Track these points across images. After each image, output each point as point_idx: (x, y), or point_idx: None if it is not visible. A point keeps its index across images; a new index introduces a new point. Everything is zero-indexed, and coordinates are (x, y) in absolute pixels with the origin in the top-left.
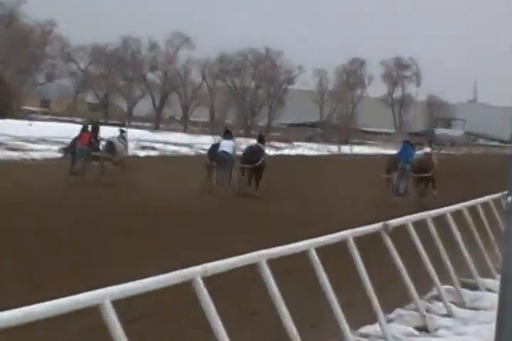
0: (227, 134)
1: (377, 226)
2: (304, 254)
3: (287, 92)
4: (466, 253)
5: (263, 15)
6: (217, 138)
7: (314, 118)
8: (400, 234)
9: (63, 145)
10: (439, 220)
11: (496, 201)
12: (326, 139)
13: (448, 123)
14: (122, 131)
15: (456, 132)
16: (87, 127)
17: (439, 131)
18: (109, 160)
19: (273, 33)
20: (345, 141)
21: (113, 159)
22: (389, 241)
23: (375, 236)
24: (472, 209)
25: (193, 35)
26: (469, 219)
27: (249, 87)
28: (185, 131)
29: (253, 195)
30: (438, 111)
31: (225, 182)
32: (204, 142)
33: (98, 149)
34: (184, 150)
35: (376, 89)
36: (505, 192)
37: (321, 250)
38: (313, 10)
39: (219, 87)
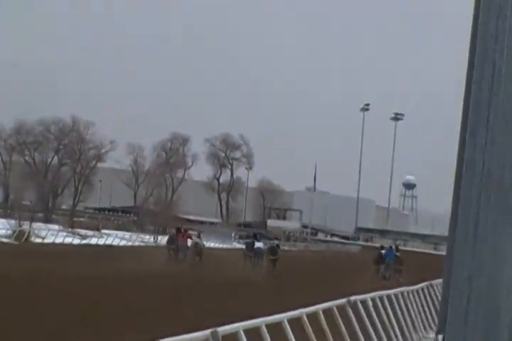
0: (259, 237)
1: (203, 334)
2: None
3: (96, 171)
4: None
5: (69, 81)
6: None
7: (127, 202)
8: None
9: None
10: (276, 328)
11: (340, 308)
12: (140, 227)
13: (283, 214)
14: None
15: (291, 224)
16: (181, 229)
17: (273, 222)
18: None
19: (81, 101)
20: (164, 230)
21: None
22: None
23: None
24: (312, 316)
25: None
26: (309, 328)
27: (52, 163)
28: None
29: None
30: (272, 200)
31: (260, 265)
32: None
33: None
34: None
35: (200, 171)
36: (352, 298)
37: None
38: (130, 78)
39: (16, 162)
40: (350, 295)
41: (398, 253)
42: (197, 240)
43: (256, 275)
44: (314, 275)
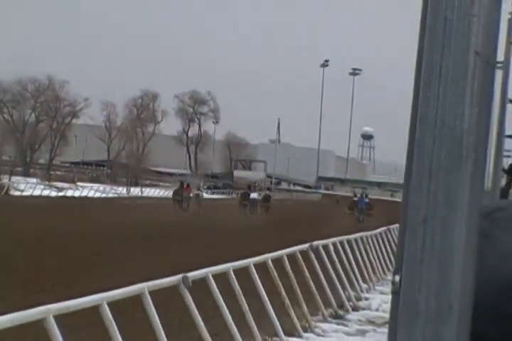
0: (253, 188)
1: (175, 278)
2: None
3: (71, 127)
4: (270, 309)
5: (43, 40)
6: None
7: (101, 156)
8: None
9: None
10: (243, 272)
11: (303, 253)
12: (114, 180)
13: (248, 165)
14: None
15: (257, 175)
16: (184, 184)
17: (239, 173)
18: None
19: (56, 60)
20: (136, 182)
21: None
22: (188, 296)
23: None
24: (278, 261)
25: None
26: (274, 271)
27: (29, 120)
28: None
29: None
30: (237, 152)
31: (254, 212)
32: None
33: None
34: None
35: (170, 125)
36: (314, 243)
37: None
38: (98, 39)
39: None
40: (357, 231)
41: (368, 200)
42: (198, 192)
43: (258, 218)
44: (304, 216)
